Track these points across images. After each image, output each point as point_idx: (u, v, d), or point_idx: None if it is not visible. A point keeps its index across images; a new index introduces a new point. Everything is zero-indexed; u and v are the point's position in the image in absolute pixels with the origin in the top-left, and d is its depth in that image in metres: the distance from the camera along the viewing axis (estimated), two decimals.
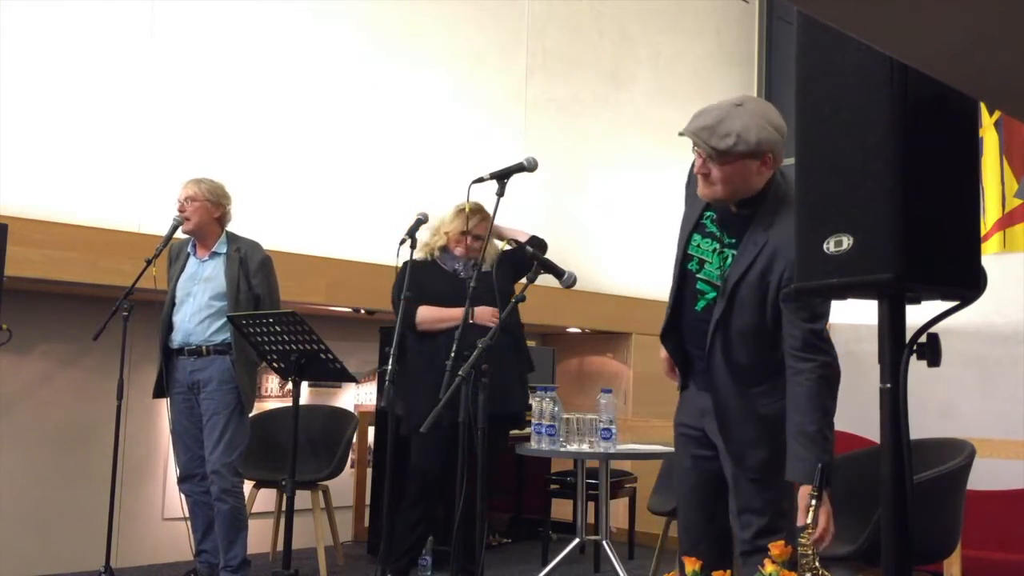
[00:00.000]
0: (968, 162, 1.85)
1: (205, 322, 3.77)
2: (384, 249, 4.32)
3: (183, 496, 3.92)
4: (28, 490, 4.21)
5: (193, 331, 3.78)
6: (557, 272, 2.97)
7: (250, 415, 3.94)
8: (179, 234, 3.93)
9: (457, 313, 3.66)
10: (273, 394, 5.13)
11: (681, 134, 2.31)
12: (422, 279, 3.67)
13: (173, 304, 3.86)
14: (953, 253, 1.79)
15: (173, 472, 4.53)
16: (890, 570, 1.76)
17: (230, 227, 3.95)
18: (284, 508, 3.58)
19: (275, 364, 3.58)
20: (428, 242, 3.85)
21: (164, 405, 4.04)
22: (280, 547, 3.76)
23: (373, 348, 4.94)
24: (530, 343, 5.75)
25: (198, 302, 3.80)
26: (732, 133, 2.25)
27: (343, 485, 5.01)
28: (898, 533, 1.76)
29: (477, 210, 3.82)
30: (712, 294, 2.44)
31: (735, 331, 2.40)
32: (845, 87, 1.78)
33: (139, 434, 4.53)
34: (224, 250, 3.86)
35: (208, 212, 3.85)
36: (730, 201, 2.38)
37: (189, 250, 3.92)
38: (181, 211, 3.83)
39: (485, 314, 3.68)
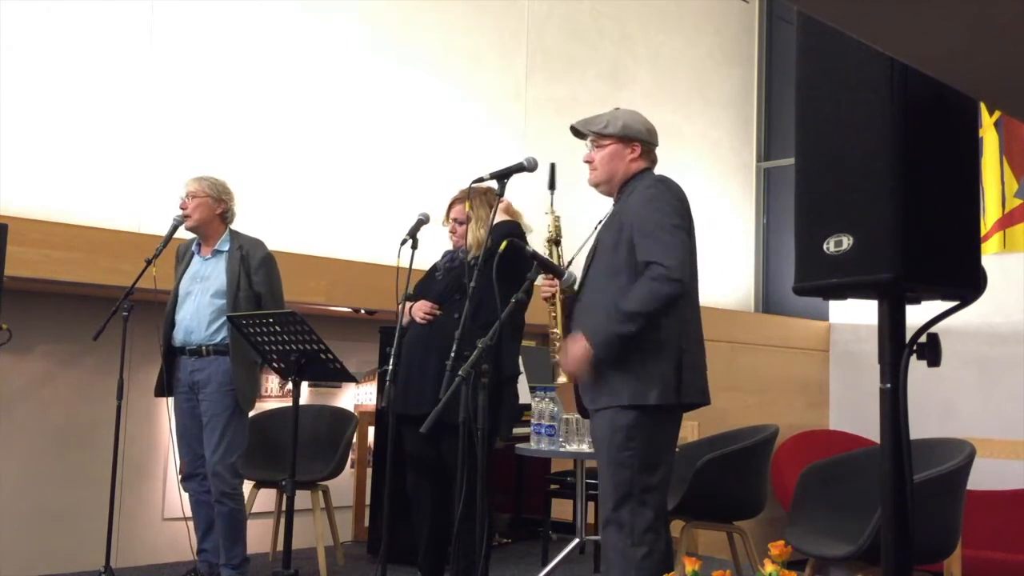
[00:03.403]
0: (968, 162, 1.85)
1: (205, 321, 3.77)
2: (384, 249, 4.31)
3: (187, 494, 3.92)
4: (28, 490, 4.21)
5: (194, 330, 3.78)
6: (557, 272, 2.96)
7: (250, 414, 3.94)
8: (182, 234, 3.93)
9: (404, 308, 3.65)
10: (273, 394, 5.12)
11: (571, 128, 2.98)
12: None
13: (176, 302, 3.86)
14: (953, 253, 1.80)
15: (173, 472, 4.53)
16: (890, 570, 1.76)
17: (234, 225, 3.95)
18: (284, 508, 3.58)
19: (275, 364, 3.58)
20: None
21: (164, 405, 4.04)
22: (280, 547, 3.75)
23: (373, 348, 4.94)
24: (530, 343, 5.75)
25: (199, 300, 3.80)
26: (604, 120, 2.93)
27: (343, 485, 5.01)
28: (898, 533, 1.76)
29: (458, 195, 3.70)
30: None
31: (597, 272, 2.85)
32: (845, 87, 1.78)
33: (139, 434, 4.53)
34: (226, 248, 3.86)
35: (210, 208, 3.85)
36: (606, 184, 2.95)
37: (194, 249, 3.93)
38: (183, 208, 3.83)
39: (413, 309, 3.64)
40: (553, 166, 3.08)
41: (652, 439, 2.71)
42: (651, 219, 2.74)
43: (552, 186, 3.08)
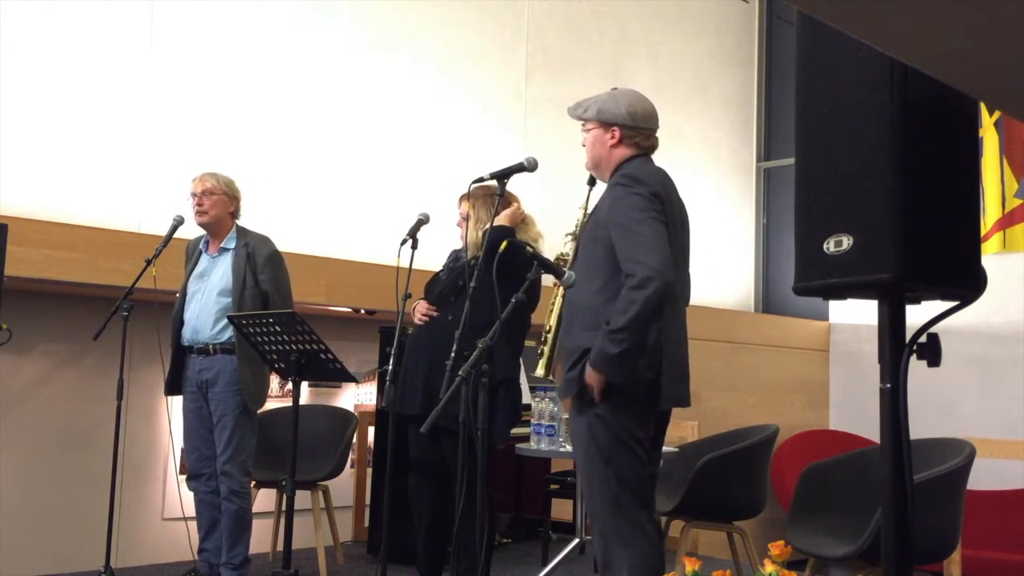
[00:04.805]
0: (968, 162, 1.85)
1: (211, 319, 3.77)
2: (384, 249, 4.31)
3: (191, 493, 3.91)
4: (28, 490, 4.21)
5: (200, 328, 3.79)
6: (557, 272, 2.96)
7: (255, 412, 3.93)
8: (182, 233, 3.92)
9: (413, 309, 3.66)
10: (273, 394, 5.12)
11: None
12: None
13: (184, 300, 3.86)
14: (953, 253, 1.80)
15: (173, 472, 4.53)
16: (890, 570, 1.76)
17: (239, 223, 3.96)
18: (284, 508, 3.58)
19: (275, 364, 3.57)
20: None
21: (164, 405, 4.04)
22: (280, 547, 3.75)
23: (373, 348, 4.94)
24: (530, 343, 5.75)
25: (206, 299, 3.80)
26: (585, 105, 2.87)
27: (343, 485, 5.01)
28: (898, 533, 1.76)
29: (465, 192, 3.55)
30: None
31: (579, 272, 2.77)
32: (845, 87, 1.78)
33: (139, 434, 4.53)
34: (233, 245, 3.86)
35: (225, 205, 3.86)
36: (595, 170, 2.91)
37: (202, 247, 3.93)
38: (199, 205, 3.82)
39: (414, 309, 3.64)
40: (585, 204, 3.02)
41: (624, 438, 2.65)
42: (621, 217, 2.65)
43: (592, 182, 3.06)
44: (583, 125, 2.90)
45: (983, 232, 5.60)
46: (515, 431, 4.28)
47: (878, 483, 1.79)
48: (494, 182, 3.07)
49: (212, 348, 3.77)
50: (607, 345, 2.57)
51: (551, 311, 2.96)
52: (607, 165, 2.85)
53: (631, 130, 2.81)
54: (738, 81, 7.74)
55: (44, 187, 4.13)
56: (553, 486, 5.00)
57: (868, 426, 6.07)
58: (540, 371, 2.91)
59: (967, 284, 1.80)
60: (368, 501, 5.12)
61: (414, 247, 3.53)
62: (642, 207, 2.65)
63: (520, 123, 6.03)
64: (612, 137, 2.82)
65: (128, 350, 3.81)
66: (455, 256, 3.77)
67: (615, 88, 2.94)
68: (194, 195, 3.83)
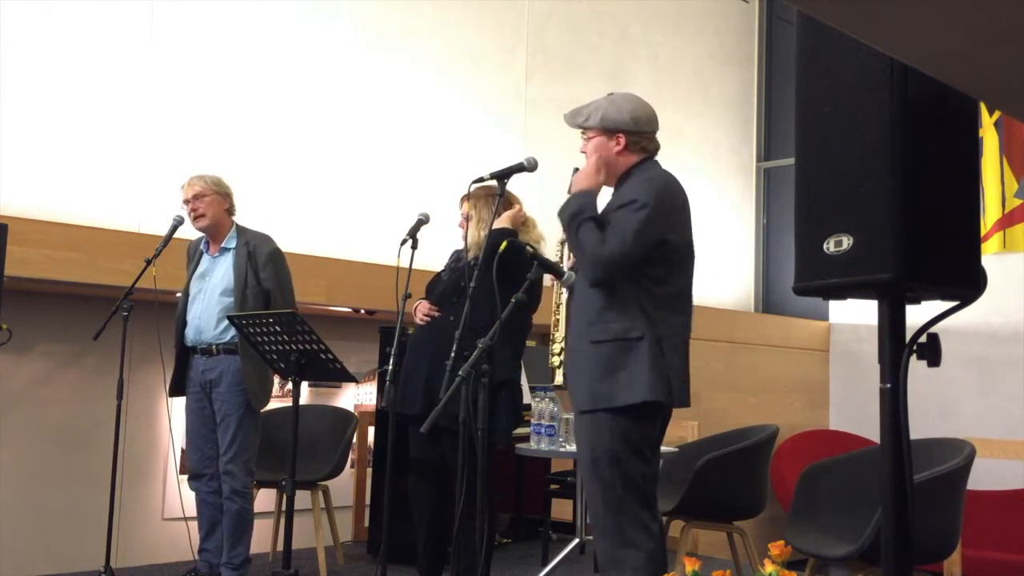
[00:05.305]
0: (968, 162, 1.85)
1: (214, 319, 3.77)
2: (384, 249, 4.31)
3: (193, 493, 3.91)
4: (28, 490, 4.21)
5: (203, 329, 3.79)
6: (557, 272, 2.96)
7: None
8: (182, 233, 3.92)
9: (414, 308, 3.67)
10: (273, 394, 5.12)
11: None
12: None
13: (187, 301, 3.86)
14: (953, 253, 1.80)
15: (173, 472, 4.53)
16: (890, 570, 1.76)
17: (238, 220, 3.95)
18: (284, 508, 3.58)
19: (275, 364, 3.57)
20: None
21: (164, 405, 4.04)
22: (280, 547, 3.76)
23: (373, 348, 4.94)
24: (530, 343, 5.75)
25: (208, 299, 3.80)
26: (585, 113, 2.82)
27: (343, 485, 5.01)
28: (898, 533, 1.76)
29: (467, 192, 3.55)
30: None
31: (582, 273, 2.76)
32: (845, 87, 1.78)
33: (139, 434, 4.53)
34: (233, 245, 3.86)
35: (219, 204, 3.85)
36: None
37: (203, 247, 3.93)
38: (194, 210, 3.82)
39: (416, 309, 3.65)
40: (576, 171, 3.01)
41: (633, 440, 2.64)
42: (622, 221, 2.68)
43: (571, 191, 3.04)
44: (583, 133, 2.85)
45: (983, 232, 5.60)
46: (515, 431, 4.28)
47: (878, 483, 1.79)
48: (494, 182, 3.06)
49: (215, 348, 3.77)
50: (572, 223, 2.69)
51: (556, 318, 2.95)
52: (614, 172, 2.82)
53: (636, 135, 2.78)
54: (738, 81, 7.74)
55: (44, 187, 4.13)
56: (553, 486, 5.00)
57: (868, 426, 6.07)
58: (560, 379, 2.91)
59: (967, 284, 1.80)
60: (368, 501, 5.12)
61: (414, 247, 3.53)
62: (648, 201, 2.66)
63: (520, 123, 6.03)
64: (617, 144, 2.78)
65: (128, 350, 3.81)
66: (457, 256, 3.77)
67: (611, 93, 2.91)
68: (187, 201, 3.84)
